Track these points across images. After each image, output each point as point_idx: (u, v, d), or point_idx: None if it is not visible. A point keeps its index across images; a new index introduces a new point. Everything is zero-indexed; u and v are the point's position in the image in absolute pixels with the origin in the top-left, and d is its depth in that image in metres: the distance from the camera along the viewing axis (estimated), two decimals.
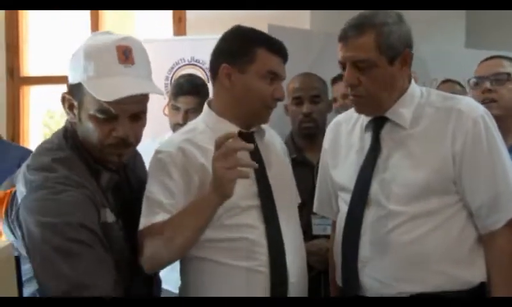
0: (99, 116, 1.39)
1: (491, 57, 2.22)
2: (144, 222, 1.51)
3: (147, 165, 2.48)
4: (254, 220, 1.58)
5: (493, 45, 3.56)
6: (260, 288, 1.55)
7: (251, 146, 1.45)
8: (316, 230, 2.18)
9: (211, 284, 1.58)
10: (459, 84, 3.12)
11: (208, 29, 3.54)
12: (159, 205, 1.51)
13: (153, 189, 1.55)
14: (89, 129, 1.41)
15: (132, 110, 1.41)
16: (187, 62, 3.24)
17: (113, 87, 1.36)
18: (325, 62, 2.67)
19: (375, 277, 1.56)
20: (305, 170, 2.23)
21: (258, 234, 1.57)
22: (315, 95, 2.38)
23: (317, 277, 2.07)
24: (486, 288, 1.55)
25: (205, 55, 3.16)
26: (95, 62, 1.38)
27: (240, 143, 1.42)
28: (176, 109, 2.47)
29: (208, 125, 1.66)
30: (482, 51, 3.53)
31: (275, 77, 1.63)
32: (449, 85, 3.03)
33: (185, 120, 2.39)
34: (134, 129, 1.44)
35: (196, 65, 3.23)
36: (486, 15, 4.21)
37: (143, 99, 1.44)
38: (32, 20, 4.09)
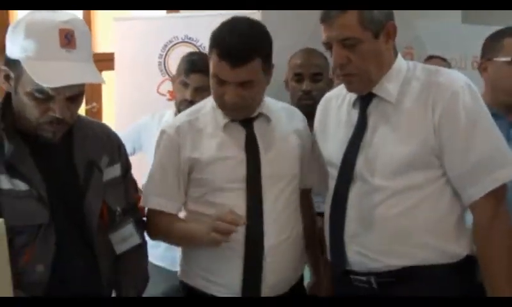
0: (37, 95, 1.41)
1: None
2: (151, 201, 1.73)
3: (148, 141, 2.51)
4: (237, 201, 1.65)
5: (490, 20, 3.53)
6: (234, 264, 1.64)
7: (241, 221, 1.55)
8: None
9: (195, 248, 1.71)
10: (444, 59, 3.11)
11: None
12: (162, 192, 1.71)
13: (156, 170, 1.74)
14: (26, 105, 1.44)
15: (70, 93, 1.43)
16: (180, 40, 3.20)
17: (53, 73, 1.38)
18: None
19: (362, 252, 1.58)
20: None
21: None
22: (316, 73, 2.37)
23: None
24: (473, 260, 1.56)
25: (198, 32, 3.15)
26: (36, 44, 1.40)
27: (231, 227, 1.55)
28: (185, 85, 2.42)
29: (213, 106, 1.73)
30: (478, 26, 3.51)
31: (220, 81, 1.62)
32: (434, 61, 3.01)
33: (194, 97, 2.33)
34: (71, 109, 1.47)
35: (190, 43, 3.19)
36: None
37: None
38: None
